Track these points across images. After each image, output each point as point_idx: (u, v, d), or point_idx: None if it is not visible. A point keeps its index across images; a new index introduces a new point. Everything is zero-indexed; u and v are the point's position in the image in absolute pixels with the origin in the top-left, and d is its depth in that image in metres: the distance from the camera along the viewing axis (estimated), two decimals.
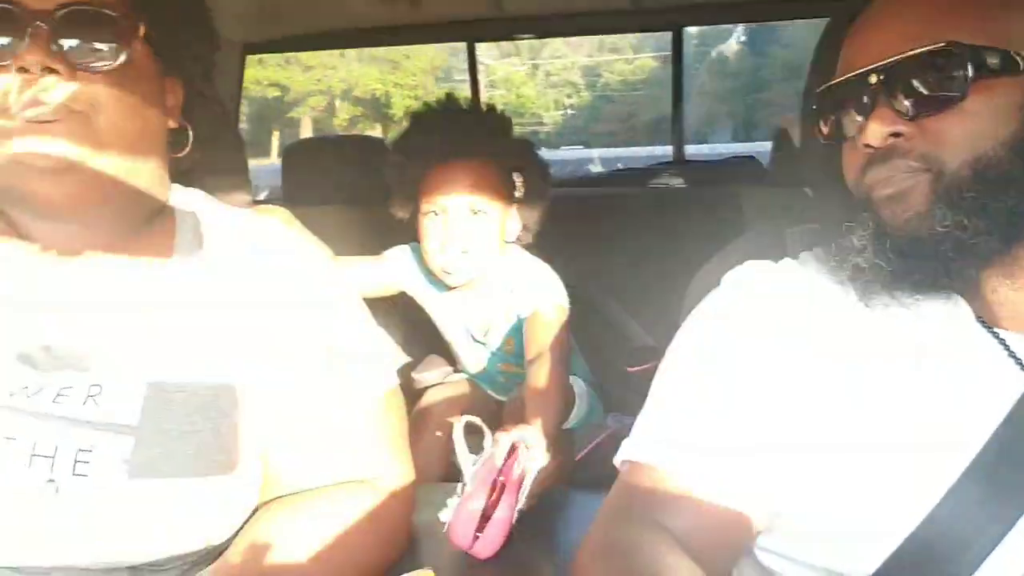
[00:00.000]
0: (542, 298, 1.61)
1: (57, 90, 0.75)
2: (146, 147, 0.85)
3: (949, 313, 0.77)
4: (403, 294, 1.89)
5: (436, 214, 1.58)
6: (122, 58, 0.79)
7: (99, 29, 0.78)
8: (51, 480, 0.74)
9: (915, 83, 0.71)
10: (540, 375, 1.48)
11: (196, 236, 0.90)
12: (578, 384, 1.89)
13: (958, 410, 0.73)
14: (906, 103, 0.72)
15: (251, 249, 0.90)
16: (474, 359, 1.85)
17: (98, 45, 0.78)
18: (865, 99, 0.74)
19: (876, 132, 0.73)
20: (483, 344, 1.80)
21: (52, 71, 0.75)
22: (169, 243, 0.88)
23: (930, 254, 0.71)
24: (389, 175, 1.68)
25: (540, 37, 3.09)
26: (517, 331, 1.70)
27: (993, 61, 0.69)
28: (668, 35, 2.85)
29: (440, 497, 0.95)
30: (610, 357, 2.10)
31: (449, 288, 1.69)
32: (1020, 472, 0.70)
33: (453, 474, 1.78)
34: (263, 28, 2.46)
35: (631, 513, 0.76)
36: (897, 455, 0.73)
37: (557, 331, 1.57)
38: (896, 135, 0.72)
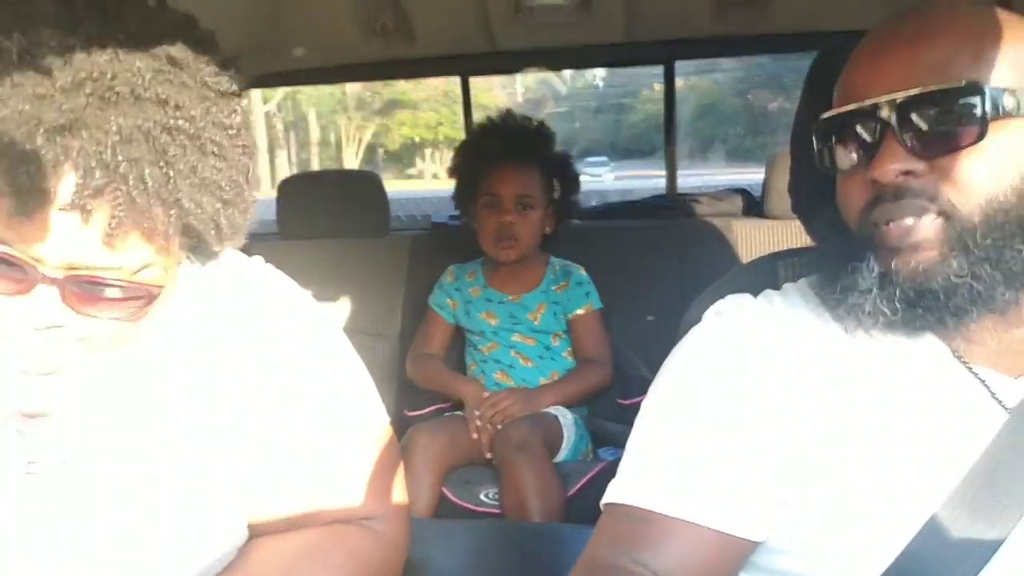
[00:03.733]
0: (588, 297, 2.06)
1: (64, 336, 0.71)
2: (151, 318, 0.79)
3: (925, 349, 0.77)
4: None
5: (492, 204, 2.01)
6: (147, 307, 0.74)
7: (120, 291, 0.71)
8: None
9: (931, 120, 0.68)
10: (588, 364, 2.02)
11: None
12: (565, 415, 1.90)
13: (936, 445, 0.73)
14: (920, 140, 0.69)
15: (236, 297, 0.87)
16: (496, 327, 2.08)
17: (118, 300, 0.71)
18: (874, 132, 0.71)
19: (887, 169, 0.69)
20: (509, 307, 2.08)
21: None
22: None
23: (940, 304, 0.70)
24: (455, 171, 2.16)
25: (533, 70, 3.12)
26: (546, 317, 2.06)
27: (1011, 102, 0.67)
28: None
29: (430, 533, 0.93)
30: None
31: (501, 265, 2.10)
32: (997, 506, 0.70)
33: (441, 510, 1.78)
34: (257, 63, 2.48)
35: (614, 552, 0.75)
36: (876, 490, 0.72)
37: (600, 328, 2.06)
38: (907, 173, 0.69)
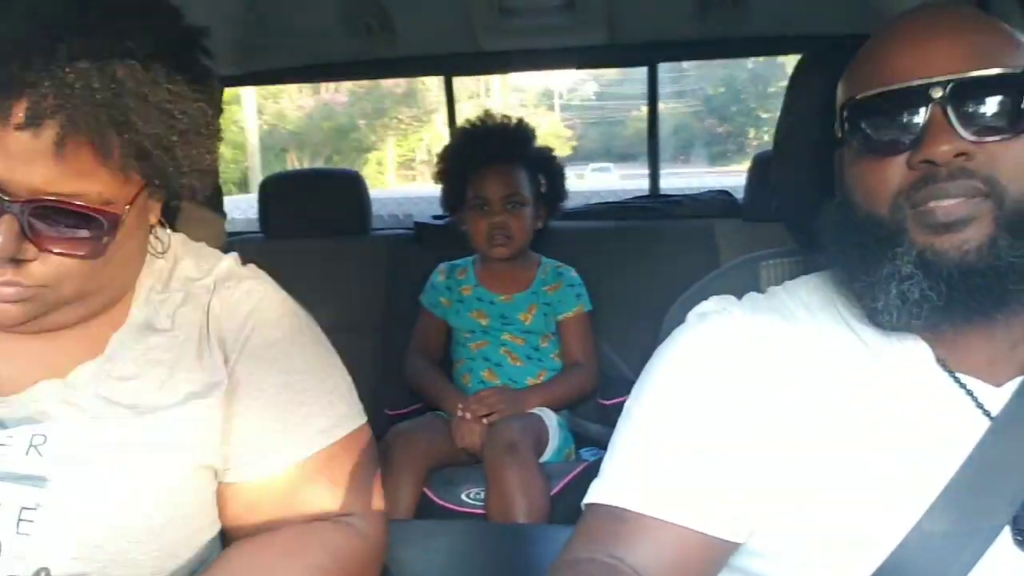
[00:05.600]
0: (579, 299, 2.08)
1: (27, 275, 0.73)
2: (120, 275, 0.82)
3: (910, 356, 0.77)
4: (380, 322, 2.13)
5: (482, 206, 2.03)
6: (107, 242, 0.75)
7: (80, 222, 0.73)
8: None
9: (985, 104, 0.69)
10: (575, 366, 2.04)
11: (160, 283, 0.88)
12: (550, 417, 1.89)
13: (919, 451, 0.73)
14: (973, 123, 0.69)
15: (214, 292, 0.88)
16: (487, 327, 2.07)
17: (79, 234, 0.73)
18: (923, 113, 0.70)
19: (944, 150, 0.69)
20: (500, 308, 2.08)
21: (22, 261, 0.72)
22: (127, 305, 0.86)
23: (985, 287, 0.69)
24: (442, 175, 2.17)
25: (516, 71, 3.11)
26: (537, 319, 2.07)
27: None
28: None
29: (410, 533, 0.93)
30: None
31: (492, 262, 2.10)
32: (981, 513, 0.71)
33: (422, 510, 1.78)
34: (239, 61, 2.47)
35: (591, 548, 0.75)
36: (859, 496, 0.73)
37: (588, 331, 2.08)
38: (961, 154, 0.69)
